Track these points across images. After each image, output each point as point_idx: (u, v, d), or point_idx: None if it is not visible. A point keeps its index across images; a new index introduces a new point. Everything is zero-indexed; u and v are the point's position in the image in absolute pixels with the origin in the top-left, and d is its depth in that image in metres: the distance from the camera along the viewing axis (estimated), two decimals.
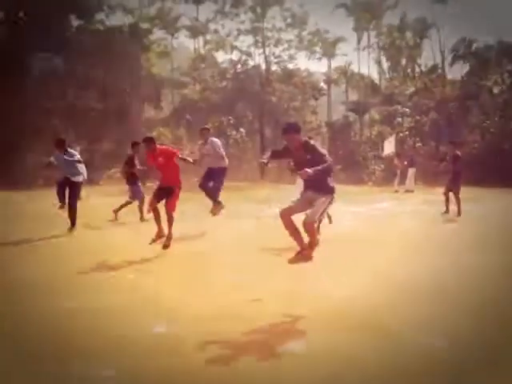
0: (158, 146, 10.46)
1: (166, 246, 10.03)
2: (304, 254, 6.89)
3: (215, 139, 13.23)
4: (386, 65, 53.99)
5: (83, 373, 4.61)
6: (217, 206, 13.08)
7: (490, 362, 4.89)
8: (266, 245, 10.45)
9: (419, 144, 43.14)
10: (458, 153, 16.21)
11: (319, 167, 6.53)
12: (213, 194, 13.05)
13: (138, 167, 14.24)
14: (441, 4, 48.81)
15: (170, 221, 10.13)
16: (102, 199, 20.30)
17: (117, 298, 6.88)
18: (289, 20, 50.35)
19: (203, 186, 13.08)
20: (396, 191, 25.57)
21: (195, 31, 53.24)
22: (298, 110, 50.46)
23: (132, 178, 14.76)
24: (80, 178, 13.24)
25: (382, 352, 5.06)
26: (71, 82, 38.08)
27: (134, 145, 14.70)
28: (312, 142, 7.04)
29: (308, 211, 6.79)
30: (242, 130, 49.38)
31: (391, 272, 8.30)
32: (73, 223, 12.82)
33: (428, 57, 53.34)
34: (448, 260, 9.18)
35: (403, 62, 53.75)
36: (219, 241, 11.58)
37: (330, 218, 13.03)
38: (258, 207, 18.20)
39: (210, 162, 13.05)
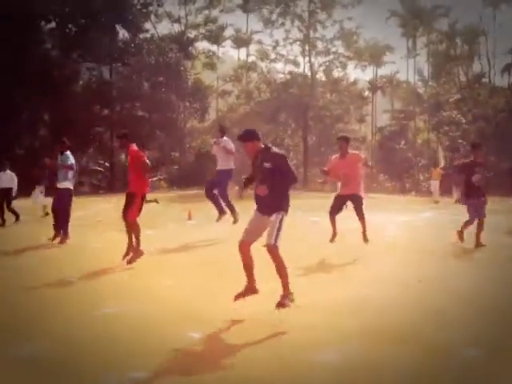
0: (131, 145, 9.38)
1: (129, 262, 9.01)
2: (250, 290, 6.23)
3: (225, 138, 12.57)
4: (431, 72, 53.26)
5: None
6: (221, 215, 12.47)
7: None
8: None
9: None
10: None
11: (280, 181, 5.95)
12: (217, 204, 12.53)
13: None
14: (491, 10, 48.26)
15: (131, 230, 9.22)
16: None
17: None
18: (337, 32, 50.45)
19: (206, 194, 12.59)
20: (436, 202, 25.16)
21: (240, 41, 53.45)
22: (343, 117, 50.26)
23: None
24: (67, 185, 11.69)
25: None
26: (118, 91, 38.76)
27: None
28: (275, 149, 6.20)
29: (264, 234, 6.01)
30: (286, 140, 49.58)
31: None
32: (58, 232, 11.60)
33: (476, 65, 52.25)
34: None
35: (451, 69, 52.97)
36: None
37: None
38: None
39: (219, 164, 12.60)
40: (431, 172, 27.52)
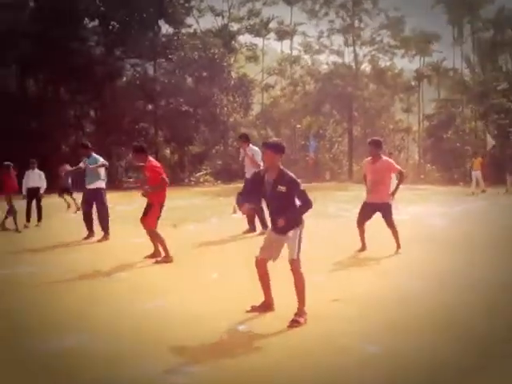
0: (149, 158, 9.61)
1: (157, 262, 9.24)
2: (266, 306, 6.20)
3: (254, 147, 12.38)
4: (476, 60, 51.83)
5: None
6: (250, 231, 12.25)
7: None
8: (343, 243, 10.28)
9: None
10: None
11: (296, 211, 5.82)
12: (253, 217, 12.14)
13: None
14: None
15: (152, 237, 9.49)
16: None
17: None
18: (384, 21, 49.84)
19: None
20: (473, 193, 24.65)
21: (283, 34, 52.98)
22: (388, 108, 49.62)
23: None
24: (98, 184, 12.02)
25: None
26: (161, 86, 39.00)
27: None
28: (290, 173, 5.86)
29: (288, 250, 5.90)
30: (328, 131, 49.30)
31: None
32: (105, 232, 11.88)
33: None
34: None
35: (498, 56, 51.41)
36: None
37: None
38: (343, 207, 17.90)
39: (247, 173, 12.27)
40: (472, 162, 27.24)
